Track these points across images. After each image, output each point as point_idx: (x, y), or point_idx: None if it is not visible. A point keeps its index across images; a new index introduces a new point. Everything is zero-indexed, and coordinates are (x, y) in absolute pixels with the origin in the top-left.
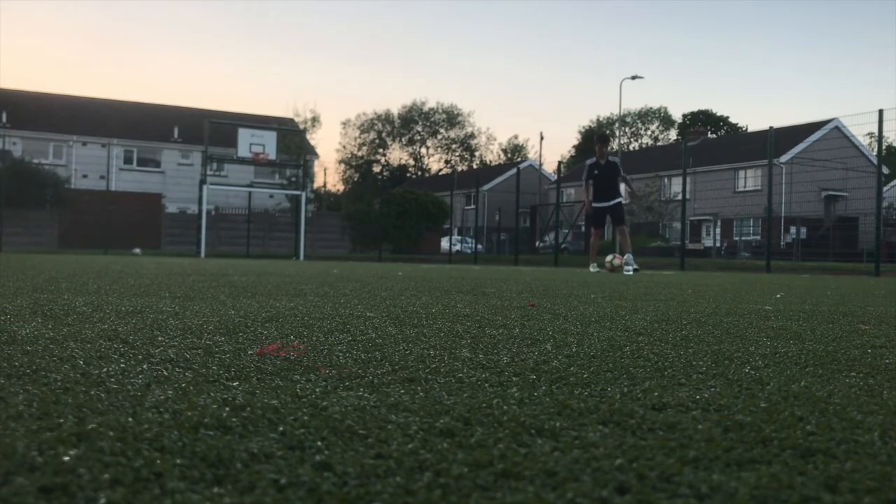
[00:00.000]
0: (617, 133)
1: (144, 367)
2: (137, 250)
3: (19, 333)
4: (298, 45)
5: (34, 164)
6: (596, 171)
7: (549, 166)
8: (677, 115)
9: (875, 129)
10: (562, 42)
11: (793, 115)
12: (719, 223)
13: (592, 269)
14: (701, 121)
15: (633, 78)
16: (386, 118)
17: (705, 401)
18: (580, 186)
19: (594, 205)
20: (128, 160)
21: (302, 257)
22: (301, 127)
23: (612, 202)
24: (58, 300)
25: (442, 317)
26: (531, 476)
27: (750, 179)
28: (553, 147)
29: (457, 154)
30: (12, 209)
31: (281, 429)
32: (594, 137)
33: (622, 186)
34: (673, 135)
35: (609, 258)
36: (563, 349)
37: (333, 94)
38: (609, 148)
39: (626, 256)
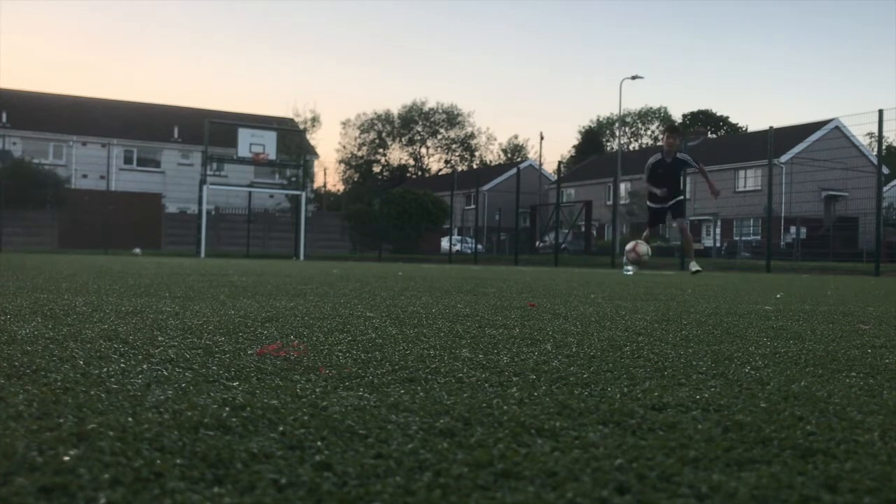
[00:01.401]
0: (617, 133)
1: (144, 367)
2: (137, 250)
3: (19, 333)
4: (298, 45)
5: (34, 164)
6: (660, 170)
7: (549, 166)
8: (677, 115)
9: (875, 129)
10: (562, 42)
11: (793, 115)
12: (719, 223)
13: (627, 270)
14: (701, 121)
15: (633, 78)
16: (386, 118)
17: (705, 401)
18: (580, 186)
19: (651, 205)
20: (128, 160)
21: (302, 257)
22: (301, 127)
23: (672, 201)
24: (58, 300)
25: (442, 317)
26: (531, 476)
27: (750, 179)
28: (553, 147)
29: (457, 154)
30: (12, 209)
31: (281, 429)
32: (664, 129)
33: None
34: None
35: (634, 248)
36: (563, 349)
37: (333, 94)
38: (679, 142)
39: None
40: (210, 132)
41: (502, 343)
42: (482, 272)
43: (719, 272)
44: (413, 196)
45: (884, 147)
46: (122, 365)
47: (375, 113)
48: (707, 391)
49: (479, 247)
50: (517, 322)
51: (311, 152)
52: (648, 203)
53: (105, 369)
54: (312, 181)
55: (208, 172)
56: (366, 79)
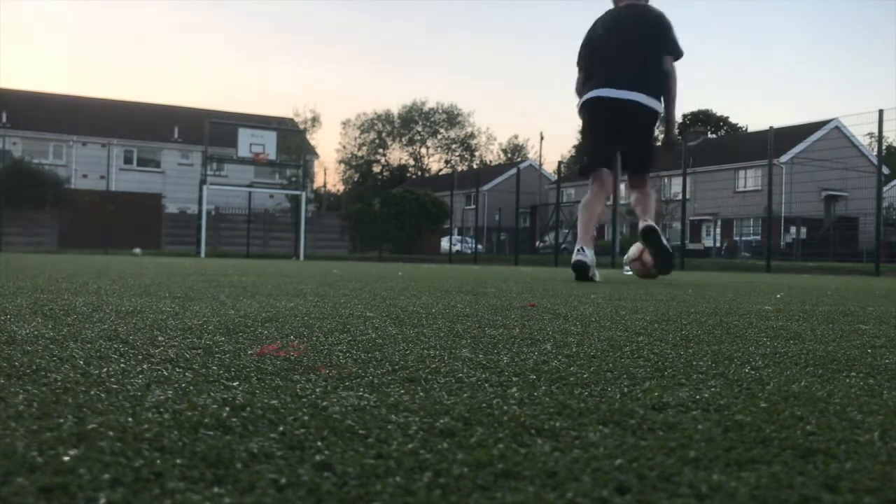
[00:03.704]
0: None
1: (144, 367)
2: (137, 250)
3: (19, 333)
4: (298, 45)
5: (34, 164)
6: (599, 30)
7: (549, 166)
8: (677, 115)
9: (875, 129)
10: (562, 42)
11: (793, 115)
12: (719, 223)
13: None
14: (701, 121)
15: None
16: (386, 118)
17: (705, 401)
18: (580, 186)
19: (591, 95)
20: (128, 160)
21: (302, 257)
22: (301, 127)
23: (628, 96)
24: (58, 300)
25: (442, 317)
26: (531, 476)
27: (750, 179)
28: (553, 147)
29: (457, 154)
30: (12, 209)
31: (281, 429)
32: None
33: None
34: None
35: (632, 253)
36: (563, 349)
37: (333, 94)
38: None
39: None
40: (210, 132)
41: (502, 343)
42: (482, 272)
43: (719, 272)
44: (413, 196)
45: (884, 147)
46: (122, 365)
47: (375, 113)
48: (707, 391)
49: (479, 247)
50: (517, 322)
51: (311, 152)
52: (583, 91)
53: (105, 369)
54: (312, 181)
55: (208, 172)
56: (366, 79)
